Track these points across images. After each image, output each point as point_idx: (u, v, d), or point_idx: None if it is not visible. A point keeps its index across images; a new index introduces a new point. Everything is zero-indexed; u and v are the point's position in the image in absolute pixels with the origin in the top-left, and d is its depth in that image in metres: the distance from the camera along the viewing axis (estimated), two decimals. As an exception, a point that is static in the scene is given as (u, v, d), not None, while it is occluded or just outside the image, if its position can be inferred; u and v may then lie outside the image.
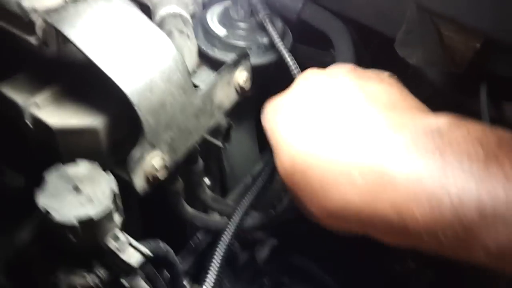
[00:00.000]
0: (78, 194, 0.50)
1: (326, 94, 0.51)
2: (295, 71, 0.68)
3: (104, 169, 0.52)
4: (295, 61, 0.70)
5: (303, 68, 0.71)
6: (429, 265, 0.88)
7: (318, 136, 0.47)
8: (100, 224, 0.50)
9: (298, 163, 0.47)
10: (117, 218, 0.53)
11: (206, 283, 0.60)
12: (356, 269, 0.90)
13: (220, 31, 0.74)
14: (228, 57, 0.71)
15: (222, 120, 0.66)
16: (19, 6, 0.51)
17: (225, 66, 0.62)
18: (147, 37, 0.54)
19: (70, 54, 0.58)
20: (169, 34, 0.65)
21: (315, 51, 0.84)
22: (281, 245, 0.90)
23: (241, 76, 0.64)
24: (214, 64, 0.72)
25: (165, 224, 0.79)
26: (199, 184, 0.75)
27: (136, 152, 0.52)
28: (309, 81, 0.54)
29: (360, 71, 0.55)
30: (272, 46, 0.74)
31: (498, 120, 0.71)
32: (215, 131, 0.68)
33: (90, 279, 0.52)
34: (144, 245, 0.54)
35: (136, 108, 0.50)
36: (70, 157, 0.53)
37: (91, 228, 0.50)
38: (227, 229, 0.66)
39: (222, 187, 0.96)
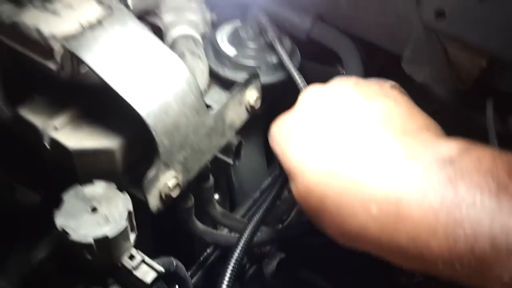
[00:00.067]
0: (95, 214, 0.52)
1: (332, 112, 0.52)
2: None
3: (120, 189, 0.54)
4: (304, 80, 0.71)
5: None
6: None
7: (331, 162, 0.48)
8: (116, 243, 0.51)
9: (314, 190, 0.48)
10: (132, 237, 0.54)
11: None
12: (363, 282, 0.91)
13: (230, 50, 0.75)
14: (238, 76, 0.73)
15: (233, 139, 0.68)
16: (39, 32, 0.53)
17: (236, 86, 0.63)
18: (162, 61, 0.55)
19: (87, 78, 0.59)
20: (181, 55, 0.67)
21: (323, 68, 0.85)
22: (289, 259, 0.90)
23: (252, 96, 0.66)
24: (224, 83, 0.74)
25: (174, 238, 0.80)
26: (209, 200, 0.76)
27: (151, 173, 0.54)
28: (313, 99, 0.55)
29: (363, 85, 0.55)
30: (281, 65, 0.75)
31: (504, 134, 0.73)
32: (226, 149, 0.69)
33: (105, 296, 0.53)
34: (157, 262, 0.56)
35: (152, 130, 0.52)
36: (86, 178, 0.55)
37: (108, 247, 0.51)
38: (238, 246, 0.66)
39: (230, 201, 0.97)
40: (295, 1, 0.79)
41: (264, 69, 0.75)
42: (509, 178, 0.38)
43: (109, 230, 0.50)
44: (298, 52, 0.81)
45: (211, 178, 0.72)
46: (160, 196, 0.57)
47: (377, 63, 0.86)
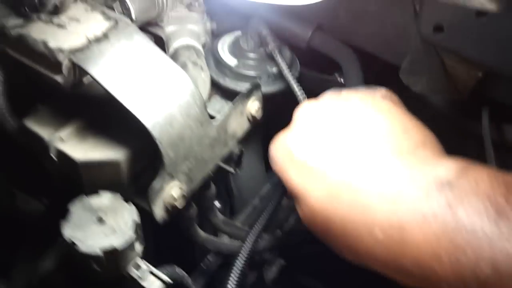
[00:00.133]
0: (102, 225, 0.52)
1: (328, 129, 0.51)
2: (303, 101, 0.71)
3: (125, 200, 0.55)
4: (303, 90, 0.72)
5: (311, 94, 0.74)
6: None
7: (332, 185, 0.48)
8: (123, 254, 0.52)
9: (318, 213, 0.49)
10: (138, 247, 0.55)
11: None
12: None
13: (230, 61, 0.77)
14: (239, 86, 0.74)
15: (235, 148, 0.69)
16: (46, 46, 0.54)
17: (238, 97, 0.64)
18: (167, 74, 0.56)
19: (92, 89, 0.60)
20: (184, 66, 0.68)
21: (322, 76, 0.86)
22: (289, 265, 0.91)
23: (253, 106, 0.67)
24: (225, 93, 0.75)
25: (175, 246, 0.81)
26: (211, 208, 0.77)
27: (156, 184, 0.54)
28: (307, 116, 0.55)
29: (355, 98, 0.54)
30: (281, 75, 0.76)
31: (499, 142, 0.74)
32: (227, 158, 0.70)
33: (113, 306, 0.54)
34: (162, 272, 0.56)
35: (157, 142, 0.53)
36: (92, 188, 0.55)
37: (115, 258, 0.52)
38: (241, 254, 0.67)
39: (230, 208, 0.98)
40: (295, 12, 0.80)
41: (264, 79, 0.76)
42: (506, 202, 0.39)
43: (117, 241, 0.51)
44: (298, 62, 0.82)
45: (213, 187, 0.73)
46: (166, 207, 0.57)
47: (373, 71, 0.88)
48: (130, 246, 0.52)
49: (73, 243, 0.50)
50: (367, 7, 0.72)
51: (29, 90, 0.64)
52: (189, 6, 0.75)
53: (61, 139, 0.56)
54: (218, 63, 0.77)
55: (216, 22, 0.82)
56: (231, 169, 0.70)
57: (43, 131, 0.57)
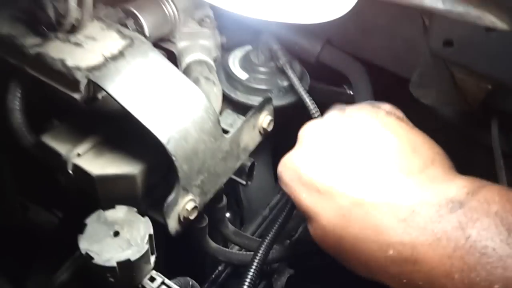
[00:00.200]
0: (118, 238, 0.53)
1: (334, 148, 0.52)
2: (315, 114, 0.72)
3: (140, 213, 0.56)
4: (314, 103, 0.73)
5: (321, 107, 0.75)
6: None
7: (343, 206, 0.49)
8: (138, 266, 0.53)
9: (330, 232, 0.50)
10: (152, 259, 0.56)
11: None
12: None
13: (241, 75, 0.78)
14: (250, 100, 0.75)
15: (247, 161, 0.70)
16: (64, 65, 0.55)
17: (251, 111, 0.65)
18: (181, 90, 0.57)
19: (107, 106, 0.61)
20: (196, 81, 0.69)
21: (331, 89, 0.87)
22: (298, 275, 0.91)
23: (265, 120, 0.68)
24: (237, 106, 0.76)
25: (186, 256, 0.81)
26: (222, 220, 0.78)
27: (171, 197, 0.56)
28: (313, 135, 0.56)
29: (359, 116, 0.54)
30: (291, 88, 0.77)
31: (509, 153, 0.74)
32: (239, 170, 0.71)
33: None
34: (175, 283, 0.57)
35: (172, 156, 0.54)
36: (107, 202, 0.56)
37: (130, 270, 0.53)
38: (253, 265, 0.68)
39: (240, 219, 0.99)
40: (305, 27, 0.81)
41: (275, 92, 0.77)
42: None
43: (132, 253, 0.52)
44: (308, 75, 0.83)
45: (224, 199, 0.74)
46: (179, 219, 0.58)
47: (383, 83, 0.89)
48: (145, 259, 0.54)
49: (90, 256, 0.52)
50: (376, 21, 0.73)
51: (45, 106, 0.65)
52: (201, 22, 0.76)
53: (78, 154, 0.57)
54: (229, 77, 0.78)
55: (226, 36, 0.83)
56: (243, 182, 0.72)
57: (60, 147, 0.59)
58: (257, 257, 0.69)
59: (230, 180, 0.69)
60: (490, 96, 0.66)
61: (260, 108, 0.66)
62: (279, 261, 0.85)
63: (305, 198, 0.52)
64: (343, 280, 0.92)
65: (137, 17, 0.69)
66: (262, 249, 0.70)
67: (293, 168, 0.54)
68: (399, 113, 0.57)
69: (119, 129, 0.61)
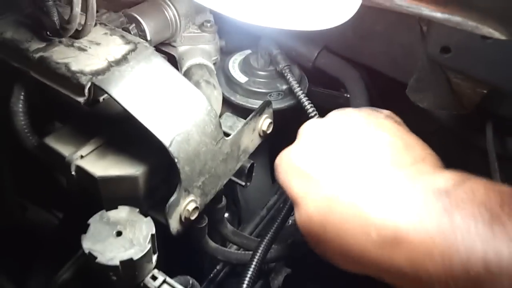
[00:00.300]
0: (120, 238, 0.55)
1: (331, 145, 0.54)
2: (314, 116, 0.73)
3: (143, 213, 0.57)
4: (313, 106, 0.74)
5: (318, 109, 0.76)
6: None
7: (331, 191, 0.50)
8: (141, 265, 0.54)
9: (315, 216, 0.50)
10: (154, 258, 0.57)
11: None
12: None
13: (241, 78, 0.79)
14: (249, 103, 0.76)
15: (246, 162, 0.71)
16: (68, 69, 0.56)
17: (251, 115, 0.66)
18: (183, 94, 0.59)
19: (109, 109, 0.63)
20: (197, 84, 0.70)
21: (328, 93, 0.89)
22: (295, 274, 0.93)
23: (265, 123, 0.69)
24: (236, 109, 0.77)
25: (184, 256, 0.83)
26: (221, 220, 0.79)
27: (173, 199, 0.57)
28: (312, 132, 0.57)
29: (358, 117, 0.56)
30: (290, 92, 0.79)
31: (503, 155, 0.76)
32: (238, 172, 0.72)
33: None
34: (176, 281, 0.58)
35: (175, 159, 0.55)
36: (109, 202, 0.58)
37: (133, 269, 0.54)
38: (252, 264, 0.69)
39: (238, 219, 1.00)
40: (303, 32, 0.82)
41: (274, 96, 0.78)
42: (501, 209, 0.41)
43: (134, 253, 0.53)
44: (306, 79, 0.84)
45: (224, 199, 0.75)
46: (180, 219, 0.60)
47: (379, 87, 0.90)
48: (148, 258, 0.55)
49: (93, 255, 0.53)
50: (374, 27, 0.74)
51: (48, 109, 0.66)
52: (201, 27, 0.77)
53: (81, 156, 0.59)
54: (229, 80, 0.79)
55: (225, 40, 0.84)
56: (242, 183, 0.73)
57: (63, 149, 0.60)
58: (256, 257, 0.70)
59: (229, 181, 0.70)
60: (485, 100, 0.68)
61: (260, 111, 0.68)
62: (277, 260, 0.86)
63: (295, 184, 0.53)
64: (340, 279, 0.94)
65: (139, 22, 0.70)
66: (261, 248, 0.71)
67: (288, 158, 0.56)
68: (398, 119, 0.58)
69: (121, 132, 0.62)
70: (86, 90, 0.55)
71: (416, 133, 0.55)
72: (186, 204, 0.59)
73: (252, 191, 0.97)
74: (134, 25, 0.70)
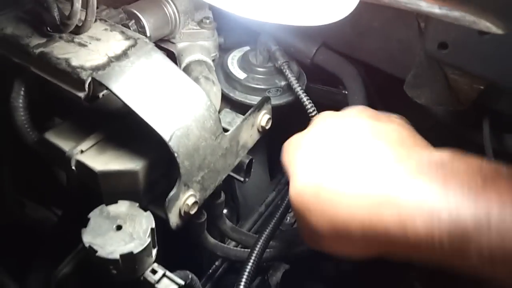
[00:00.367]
0: (120, 232, 0.55)
1: (340, 133, 0.55)
2: (312, 112, 0.73)
3: (142, 208, 0.57)
4: (312, 102, 0.75)
5: (317, 105, 0.77)
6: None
7: (330, 167, 0.52)
8: (141, 259, 0.55)
9: (310, 186, 0.52)
10: (154, 252, 0.58)
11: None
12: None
13: (240, 75, 0.79)
14: (248, 99, 0.76)
15: (245, 158, 0.71)
16: (69, 64, 0.56)
17: (250, 111, 0.67)
18: (183, 89, 0.59)
19: (109, 104, 0.63)
20: (196, 80, 0.71)
21: (327, 90, 0.89)
22: (293, 270, 0.93)
23: (264, 118, 0.70)
24: (235, 105, 0.77)
25: (183, 251, 0.83)
26: (220, 215, 0.80)
27: (173, 193, 0.57)
28: (325, 122, 0.59)
29: (371, 112, 0.59)
30: (288, 88, 0.79)
31: (500, 151, 0.76)
32: (237, 167, 0.73)
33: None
34: (176, 275, 0.59)
35: (174, 153, 0.55)
36: (110, 197, 0.58)
37: (133, 263, 0.54)
38: (250, 260, 0.69)
39: (236, 216, 1.00)
40: (302, 28, 0.82)
41: (273, 92, 0.79)
42: (495, 178, 0.42)
43: (134, 246, 0.53)
44: (305, 75, 0.85)
45: (223, 195, 0.76)
46: (180, 214, 0.60)
47: (377, 83, 0.91)
48: (147, 252, 0.55)
49: (93, 249, 0.53)
50: (372, 23, 0.75)
51: (48, 104, 0.67)
52: (200, 23, 0.78)
53: (81, 151, 0.59)
54: (228, 77, 0.80)
55: (224, 37, 0.85)
56: (241, 178, 0.73)
57: (63, 144, 0.60)
58: (255, 253, 0.71)
59: (228, 177, 0.71)
60: (482, 95, 0.68)
61: (259, 107, 0.68)
62: (276, 260, 0.86)
63: (298, 160, 0.55)
64: (338, 276, 0.94)
65: (139, 18, 0.70)
66: (259, 245, 0.71)
67: (296, 141, 0.58)
68: (408, 122, 0.59)
69: (121, 127, 0.62)
70: (87, 85, 0.55)
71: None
72: (186, 199, 0.59)
73: (250, 188, 0.98)
74: (133, 21, 0.70)
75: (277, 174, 1.06)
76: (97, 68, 0.56)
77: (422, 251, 0.44)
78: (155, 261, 0.58)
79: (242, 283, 0.67)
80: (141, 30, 0.70)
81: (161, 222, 0.60)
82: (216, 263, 0.89)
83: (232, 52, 0.85)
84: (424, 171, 0.45)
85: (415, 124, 0.58)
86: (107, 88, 0.55)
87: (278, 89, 0.80)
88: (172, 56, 0.78)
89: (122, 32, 0.62)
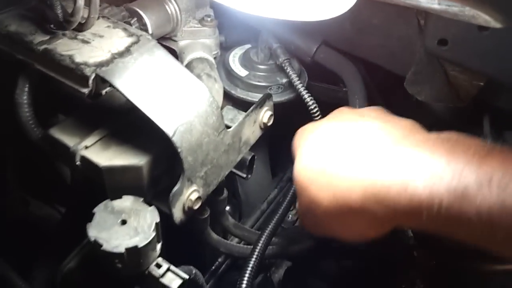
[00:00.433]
0: (125, 226, 0.55)
1: (353, 128, 0.57)
2: (314, 109, 0.74)
3: (147, 202, 0.58)
4: (313, 99, 0.76)
5: (317, 103, 0.77)
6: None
7: (337, 153, 0.54)
8: (145, 253, 0.55)
9: (314, 160, 0.55)
10: (158, 247, 0.58)
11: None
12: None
13: (241, 72, 0.80)
14: (250, 96, 0.77)
15: (247, 154, 0.72)
16: (73, 61, 0.57)
17: (252, 107, 0.67)
18: (186, 85, 0.60)
19: (112, 100, 0.64)
20: (198, 77, 0.71)
21: (328, 87, 0.90)
22: (296, 267, 0.94)
23: (266, 115, 0.70)
24: (237, 102, 0.78)
25: (186, 247, 0.83)
26: (222, 212, 0.80)
27: (176, 188, 0.58)
28: (342, 115, 0.61)
29: (389, 117, 0.59)
30: (290, 85, 0.80)
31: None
32: (240, 164, 0.73)
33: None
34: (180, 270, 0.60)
35: (178, 149, 0.56)
36: (114, 192, 0.59)
37: (137, 256, 0.55)
38: (253, 257, 0.70)
39: (238, 213, 1.01)
40: (302, 24, 0.83)
41: (274, 89, 0.79)
42: (496, 151, 0.43)
43: (139, 240, 0.54)
44: (306, 73, 0.85)
45: (225, 191, 0.76)
46: (183, 209, 0.61)
47: (377, 80, 0.91)
48: (152, 246, 0.56)
49: (99, 243, 0.53)
50: (372, 20, 0.75)
51: (52, 101, 0.67)
52: (201, 21, 0.79)
53: (85, 147, 0.60)
54: (230, 74, 0.80)
55: (226, 35, 0.86)
56: (243, 175, 0.74)
57: (68, 140, 0.61)
58: (257, 250, 0.71)
59: (230, 174, 0.71)
60: (482, 92, 0.69)
61: (261, 104, 0.69)
62: (278, 257, 0.87)
63: (307, 144, 0.57)
64: (340, 273, 0.95)
65: (141, 16, 0.71)
66: (261, 241, 0.72)
67: (310, 128, 0.60)
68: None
69: (124, 123, 0.63)
70: (90, 81, 0.56)
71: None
72: (189, 194, 0.60)
73: (252, 185, 0.98)
74: (135, 19, 0.71)
75: (278, 172, 1.07)
76: (100, 65, 0.57)
77: (422, 213, 0.45)
78: (159, 256, 0.59)
79: (245, 280, 0.68)
80: (143, 28, 0.71)
81: (165, 218, 0.60)
82: (219, 260, 0.90)
83: (233, 49, 0.86)
84: (428, 143, 0.47)
85: (416, 121, 0.58)
86: (110, 85, 0.56)
87: (280, 87, 0.81)
88: (174, 54, 0.78)
89: (125, 29, 0.62)
